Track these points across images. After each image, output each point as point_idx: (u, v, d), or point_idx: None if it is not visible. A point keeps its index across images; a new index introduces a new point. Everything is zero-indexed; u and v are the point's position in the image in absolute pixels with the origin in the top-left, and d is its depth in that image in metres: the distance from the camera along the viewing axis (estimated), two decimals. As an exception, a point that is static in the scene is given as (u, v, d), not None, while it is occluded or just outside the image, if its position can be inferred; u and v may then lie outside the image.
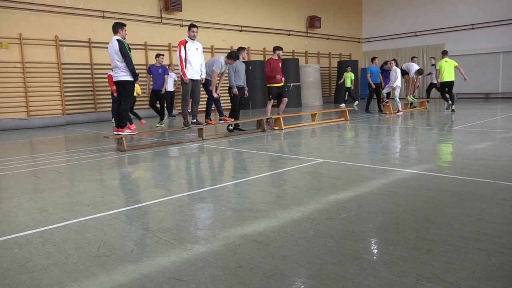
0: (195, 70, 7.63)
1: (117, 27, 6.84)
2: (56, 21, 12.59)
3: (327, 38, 21.59)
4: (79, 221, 3.11)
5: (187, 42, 7.55)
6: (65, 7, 12.71)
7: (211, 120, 8.35)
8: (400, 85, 12.32)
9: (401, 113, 11.96)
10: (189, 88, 7.64)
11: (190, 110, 7.96)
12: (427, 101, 14.64)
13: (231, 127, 8.74)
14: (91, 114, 13.16)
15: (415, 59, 14.48)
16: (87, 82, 13.36)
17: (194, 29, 7.56)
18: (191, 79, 7.60)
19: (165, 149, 6.85)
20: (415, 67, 13.64)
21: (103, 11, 13.48)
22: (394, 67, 12.26)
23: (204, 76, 7.92)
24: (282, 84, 9.46)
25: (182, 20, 15.15)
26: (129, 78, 6.83)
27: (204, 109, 8.57)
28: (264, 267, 2.19)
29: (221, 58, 8.14)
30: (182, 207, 3.44)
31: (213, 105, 8.54)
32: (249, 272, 2.13)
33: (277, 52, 9.14)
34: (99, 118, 13.30)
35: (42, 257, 2.45)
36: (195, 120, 7.92)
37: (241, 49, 8.68)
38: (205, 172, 4.96)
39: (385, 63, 13.34)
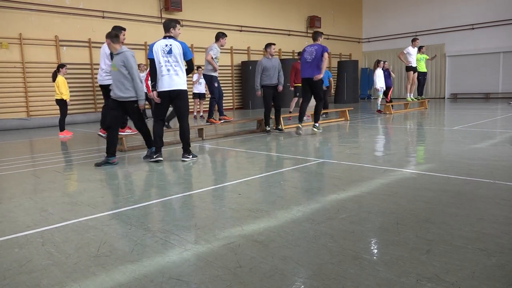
0: None
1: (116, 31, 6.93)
2: (56, 21, 12.59)
3: (327, 38, 21.56)
4: (79, 221, 3.11)
5: None
6: (65, 7, 12.71)
7: (215, 119, 8.28)
8: (383, 86, 12.35)
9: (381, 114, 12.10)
10: None
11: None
12: (428, 101, 14.63)
13: (268, 128, 8.52)
14: (91, 114, 13.15)
15: (417, 41, 12.37)
16: (87, 82, 13.36)
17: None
18: None
19: (164, 149, 6.84)
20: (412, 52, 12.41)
21: (103, 11, 13.47)
22: (379, 69, 12.28)
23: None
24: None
25: (182, 20, 15.14)
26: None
27: (207, 108, 8.41)
28: (264, 267, 2.19)
29: (214, 45, 7.71)
30: (182, 207, 3.44)
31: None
32: (249, 272, 2.13)
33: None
34: (99, 118, 13.24)
35: (42, 257, 2.45)
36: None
37: (268, 45, 8.35)
38: (205, 172, 4.96)
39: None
